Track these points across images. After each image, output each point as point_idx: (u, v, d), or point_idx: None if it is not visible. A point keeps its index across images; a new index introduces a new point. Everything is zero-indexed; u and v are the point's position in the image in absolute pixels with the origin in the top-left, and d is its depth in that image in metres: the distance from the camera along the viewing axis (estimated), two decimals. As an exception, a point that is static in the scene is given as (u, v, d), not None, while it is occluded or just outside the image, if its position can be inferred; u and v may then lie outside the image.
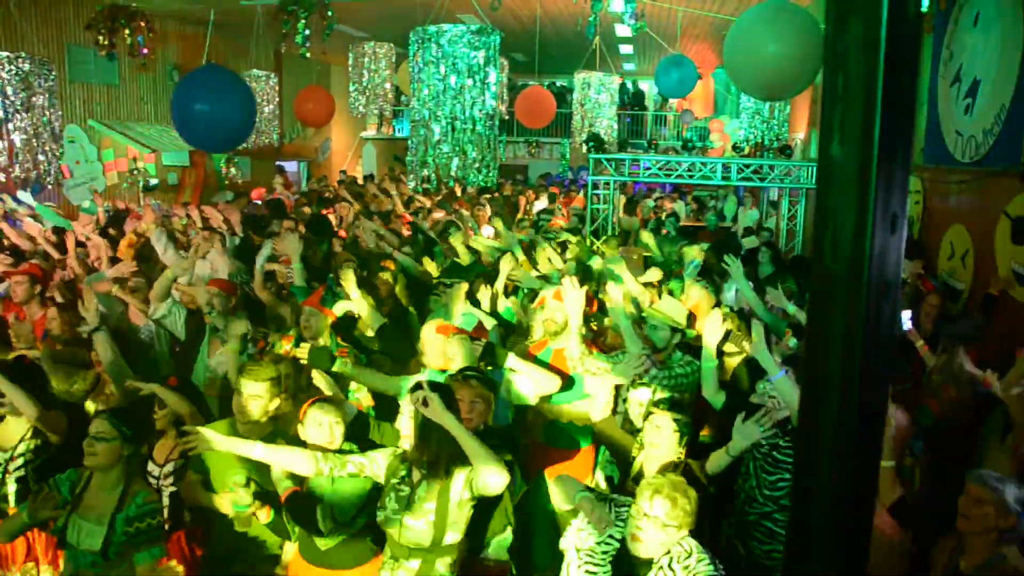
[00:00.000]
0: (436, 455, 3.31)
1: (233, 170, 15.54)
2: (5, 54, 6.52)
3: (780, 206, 13.38)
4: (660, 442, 3.72)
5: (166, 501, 4.06)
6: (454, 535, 3.33)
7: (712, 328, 4.26)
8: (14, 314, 6.04)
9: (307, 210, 10.57)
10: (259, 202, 13.07)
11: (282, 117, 13.34)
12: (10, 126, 6.47)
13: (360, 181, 16.64)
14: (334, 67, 21.43)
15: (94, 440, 3.37)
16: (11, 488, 4.08)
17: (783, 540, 3.75)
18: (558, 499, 3.46)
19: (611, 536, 3.09)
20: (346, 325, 5.45)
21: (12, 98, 6.43)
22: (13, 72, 6.50)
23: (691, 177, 11.56)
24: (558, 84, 23.91)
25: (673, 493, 2.89)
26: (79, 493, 3.45)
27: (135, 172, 14.89)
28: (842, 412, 1.04)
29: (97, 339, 4.65)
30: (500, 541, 3.73)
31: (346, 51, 13.03)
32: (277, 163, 18.61)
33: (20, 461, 4.09)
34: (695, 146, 17.03)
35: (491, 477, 3.18)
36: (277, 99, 12.58)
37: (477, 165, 6.52)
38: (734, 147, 13.34)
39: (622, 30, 14.61)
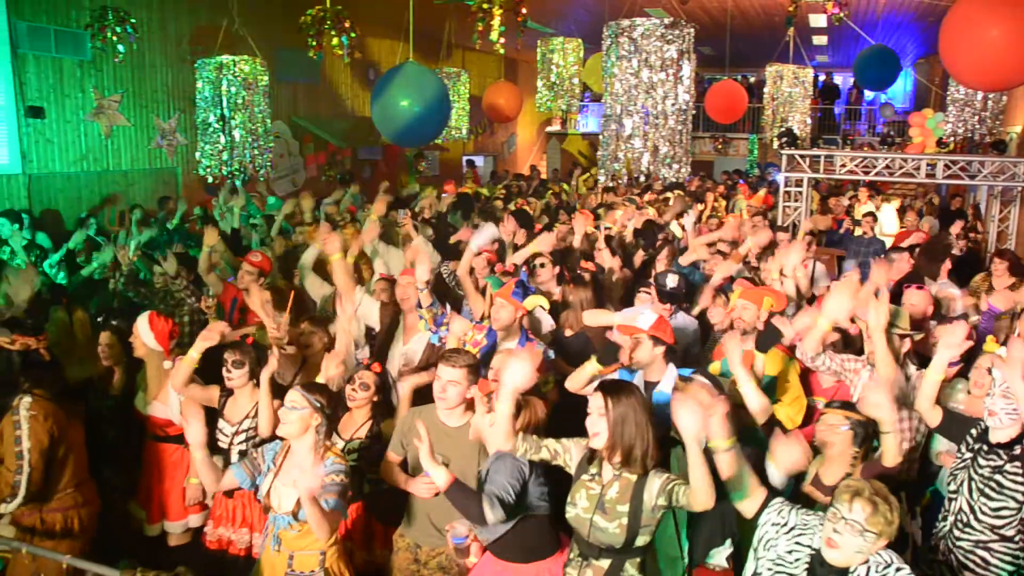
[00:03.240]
0: (630, 455, 3.21)
1: (423, 164, 16.14)
2: (231, 58, 7.08)
3: (991, 206, 12.41)
4: (833, 441, 3.61)
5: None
6: (645, 537, 3.25)
7: (951, 340, 3.92)
8: (233, 297, 6.51)
9: (499, 203, 10.78)
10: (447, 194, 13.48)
11: (471, 112, 13.71)
12: (232, 123, 7.04)
13: (544, 176, 16.82)
14: (520, 63, 21.77)
15: (287, 410, 3.61)
16: (234, 458, 4.43)
17: (999, 573, 3.52)
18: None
19: (800, 543, 2.97)
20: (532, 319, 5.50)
21: (234, 97, 7.00)
22: (237, 74, 7.06)
23: (891, 174, 10.94)
24: (750, 79, 23.27)
25: (874, 498, 2.75)
26: (280, 462, 3.70)
27: (333, 165, 15.79)
28: None
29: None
30: (721, 551, 3.66)
31: (533, 47, 13.21)
32: (466, 157, 19.13)
33: (243, 436, 4.44)
34: (894, 142, 16.07)
35: (699, 495, 3.00)
36: (467, 95, 12.92)
37: (668, 160, 6.46)
38: (938, 142, 12.48)
39: (817, 20, 14.02)
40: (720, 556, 3.71)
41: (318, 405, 3.63)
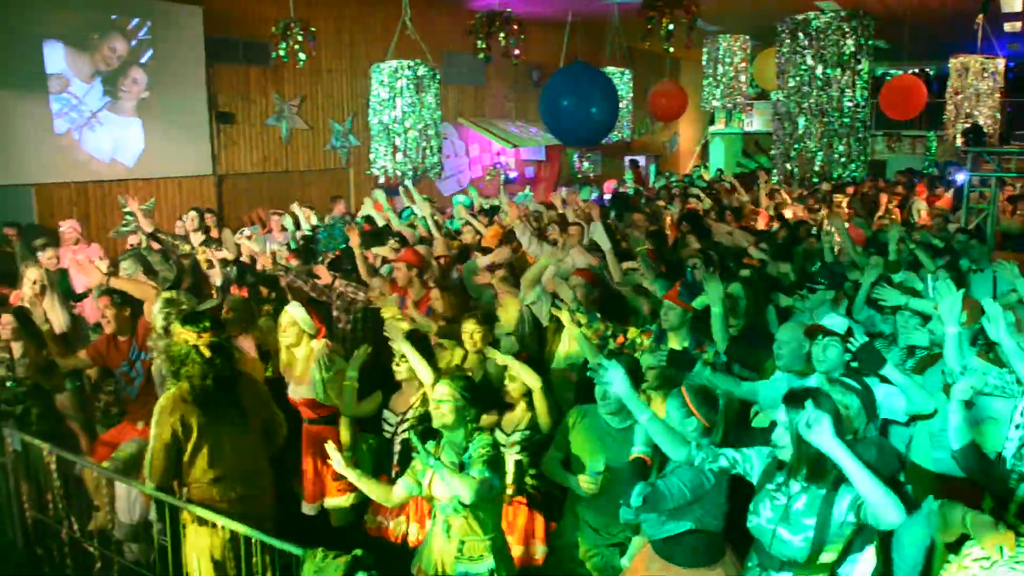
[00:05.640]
0: (818, 469, 3.08)
1: (586, 164, 16.22)
2: (404, 61, 7.40)
3: None
4: None
5: (511, 467, 4.25)
6: (831, 554, 3.11)
7: None
8: (400, 297, 6.74)
9: (661, 203, 10.67)
10: (609, 195, 13.48)
11: (633, 112, 13.64)
12: (407, 124, 7.35)
13: (706, 177, 16.48)
14: (685, 60, 21.43)
15: (438, 402, 3.74)
16: (396, 447, 4.65)
17: None
18: (940, 528, 3.12)
19: (1018, 563, 2.75)
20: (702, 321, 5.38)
21: (409, 99, 7.31)
22: (412, 77, 7.38)
23: (1094, 172, 10.07)
24: (928, 72, 22.01)
25: None
26: (438, 454, 3.78)
27: (497, 166, 16.10)
28: None
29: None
30: None
31: (698, 45, 12.97)
32: (629, 157, 19.03)
33: (407, 425, 4.60)
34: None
35: (883, 513, 2.85)
36: (631, 95, 12.85)
37: (844, 159, 6.19)
38: None
39: (1009, 5, 13.03)
40: None
41: (468, 396, 3.75)
